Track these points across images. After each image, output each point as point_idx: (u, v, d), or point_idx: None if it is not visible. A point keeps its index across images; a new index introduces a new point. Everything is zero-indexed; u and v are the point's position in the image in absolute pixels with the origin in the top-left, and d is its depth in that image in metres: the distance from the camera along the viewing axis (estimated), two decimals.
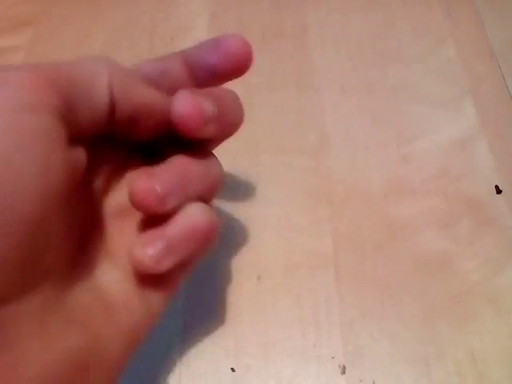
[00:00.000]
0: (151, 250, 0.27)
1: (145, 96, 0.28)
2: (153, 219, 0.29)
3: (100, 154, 0.30)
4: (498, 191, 0.45)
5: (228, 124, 0.32)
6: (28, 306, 0.23)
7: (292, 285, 0.42)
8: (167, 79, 0.31)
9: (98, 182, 0.30)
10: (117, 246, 0.29)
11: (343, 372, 0.38)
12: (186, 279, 0.32)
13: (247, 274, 0.43)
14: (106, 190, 0.30)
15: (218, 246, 0.45)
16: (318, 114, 0.52)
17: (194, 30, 0.60)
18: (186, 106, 0.28)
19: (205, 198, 0.31)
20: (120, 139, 0.30)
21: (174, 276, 0.30)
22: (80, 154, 0.26)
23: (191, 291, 0.42)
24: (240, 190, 0.47)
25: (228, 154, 0.51)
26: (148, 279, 0.29)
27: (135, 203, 0.27)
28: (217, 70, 0.32)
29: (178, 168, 0.29)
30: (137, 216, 0.30)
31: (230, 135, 0.34)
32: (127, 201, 0.28)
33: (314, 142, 0.50)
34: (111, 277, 0.28)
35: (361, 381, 0.37)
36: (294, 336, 0.40)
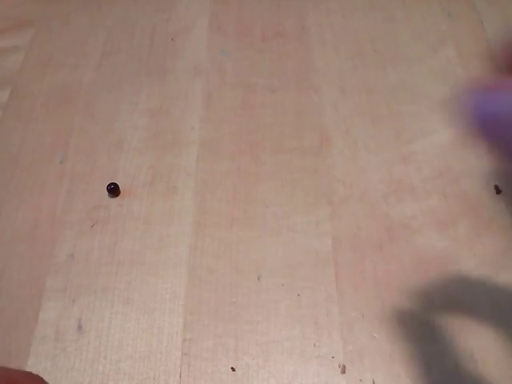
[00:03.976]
0: None
1: None
2: None
3: None
4: (498, 191, 0.46)
5: None
6: None
7: (292, 285, 0.42)
8: None
9: None
10: None
11: (343, 372, 0.38)
12: None
13: (247, 274, 0.43)
14: None
15: (218, 246, 0.45)
16: (318, 113, 0.52)
17: (193, 30, 0.60)
18: None
19: None
20: None
21: None
22: None
23: (191, 291, 0.42)
24: (240, 189, 0.47)
25: (228, 154, 0.51)
26: None
27: None
28: None
29: None
30: None
31: None
32: None
33: (314, 142, 0.50)
34: None
35: (361, 380, 0.38)
36: (294, 336, 0.40)
